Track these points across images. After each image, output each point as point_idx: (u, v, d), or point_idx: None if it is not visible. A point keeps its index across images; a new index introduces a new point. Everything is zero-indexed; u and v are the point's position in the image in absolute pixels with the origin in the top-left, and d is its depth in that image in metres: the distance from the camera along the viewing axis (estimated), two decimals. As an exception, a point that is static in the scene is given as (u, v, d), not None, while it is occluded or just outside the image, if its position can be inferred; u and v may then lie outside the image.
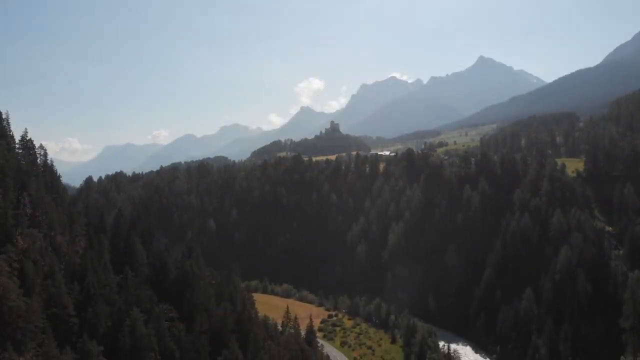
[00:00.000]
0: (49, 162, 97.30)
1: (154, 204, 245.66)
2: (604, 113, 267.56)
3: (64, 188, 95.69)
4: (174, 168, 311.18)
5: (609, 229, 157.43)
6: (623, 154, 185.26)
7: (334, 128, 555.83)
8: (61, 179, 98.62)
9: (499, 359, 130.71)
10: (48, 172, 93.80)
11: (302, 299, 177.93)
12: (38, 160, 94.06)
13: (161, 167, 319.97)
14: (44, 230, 74.66)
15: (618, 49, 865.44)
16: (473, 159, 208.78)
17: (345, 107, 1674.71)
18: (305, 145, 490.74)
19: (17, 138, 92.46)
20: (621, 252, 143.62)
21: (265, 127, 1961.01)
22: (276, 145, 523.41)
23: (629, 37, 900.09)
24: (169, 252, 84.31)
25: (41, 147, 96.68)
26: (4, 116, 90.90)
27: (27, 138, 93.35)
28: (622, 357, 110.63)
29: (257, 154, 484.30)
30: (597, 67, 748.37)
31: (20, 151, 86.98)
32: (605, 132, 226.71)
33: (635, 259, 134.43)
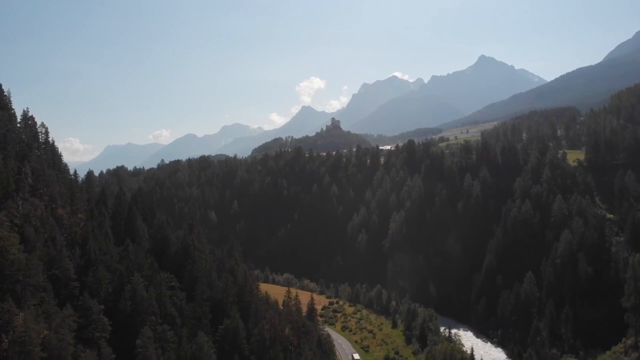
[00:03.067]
0: (50, 140, 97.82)
1: (155, 196, 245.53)
2: (605, 106, 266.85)
3: (66, 165, 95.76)
4: (176, 162, 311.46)
5: (610, 216, 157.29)
6: (624, 143, 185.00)
7: (335, 125, 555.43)
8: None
9: (500, 343, 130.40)
10: (49, 149, 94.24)
11: (303, 288, 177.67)
12: (40, 138, 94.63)
13: (162, 160, 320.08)
14: (45, 202, 74.95)
15: (619, 47, 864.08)
16: (474, 152, 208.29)
17: (346, 107, 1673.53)
18: (306, 142, 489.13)
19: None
20: (622, 238, 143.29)
21: (267, 127, 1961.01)
22: (277, 142, 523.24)
23: (630, 35, 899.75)
24: (170, 226, 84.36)
25: (42, 125, 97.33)
26: (5, 93, 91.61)
27: (29, 115, 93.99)
28: (623, 338, 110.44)
29: (258, 151, 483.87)
30: (598, 65, 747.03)
31: (21, 126, 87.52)
32: (606, 124, 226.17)
33: (636, 244, 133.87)
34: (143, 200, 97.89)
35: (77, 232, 73.48)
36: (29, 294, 49.90)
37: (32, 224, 63.01)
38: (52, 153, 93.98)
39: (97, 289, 60.65)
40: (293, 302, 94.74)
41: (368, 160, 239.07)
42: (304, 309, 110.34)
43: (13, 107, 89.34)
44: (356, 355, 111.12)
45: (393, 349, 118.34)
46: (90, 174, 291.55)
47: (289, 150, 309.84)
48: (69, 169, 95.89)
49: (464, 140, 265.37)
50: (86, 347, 50.07)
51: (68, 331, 49.07)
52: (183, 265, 77.70)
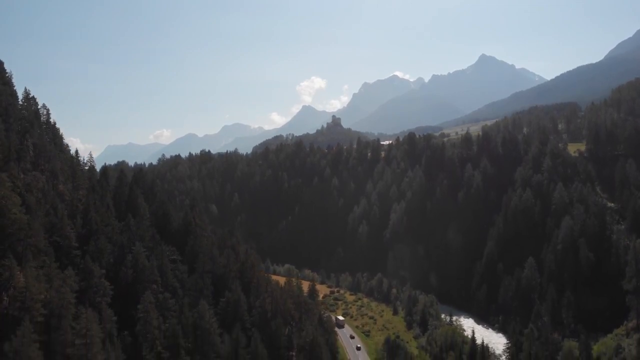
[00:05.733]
0: (52, 121, 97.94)
1: (155, 188, 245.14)
2: (606, 100, 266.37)
3: (67, 145, 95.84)
4: (176, 156, 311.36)
5: (611, 205, 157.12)
6: (625, 134, 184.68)
7: (335, 123, 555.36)
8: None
9: (501, 329, 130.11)
10: (51, 130, 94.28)
11: (304, 278, 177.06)
12: (42, 119, 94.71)
13: (163, 155, 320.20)
14: (47, 177, 74.92)
15: (620, 45, 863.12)
16: (475, 144, 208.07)
17: (346, 106, 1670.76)
18: (307, 140, 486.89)
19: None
20: (623, 226, 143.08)
21: (267, 127, 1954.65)
22: (278, 140, 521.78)
23: (630, 34, 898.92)
24: (171, 203, 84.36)
25: (44, 106, 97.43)
26: (7, 73, 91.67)
27: (30, 95, 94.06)
28: (625, 321, 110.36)
29: (258, 148, 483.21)
30: (599, 64, 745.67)
31: (23, 104, 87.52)
32: (607, 116, 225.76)
33: (638, 232, 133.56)
34: (144, 180, 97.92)
35: (79, 208, 73.47)
36: (30, 255, 49.89)
37: (34, 195, 63.02)
38: (53, 134, 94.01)
39: (99, 258, 60.61)
40: (295, 283, 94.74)
41: (369, 154, 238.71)
42: (305, 291, 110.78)
43: (15, 86, 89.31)
44: (340, 317, 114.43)
45: (394, 334, 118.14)
46: (91, 167, 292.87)
47: (290, 144, 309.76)
48: (69, 149, 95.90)
49: (465, 133, 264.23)
50: (87, 309, 49.95)
51: (69, 291, 49.04)
52: (184, 241, 77.72)
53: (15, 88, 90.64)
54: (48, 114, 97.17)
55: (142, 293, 58.10)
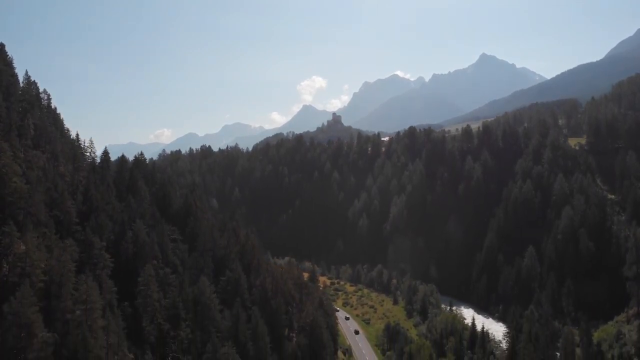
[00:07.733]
0: (53, 106, 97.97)
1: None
2: (606, 95, 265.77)
3: (68, 130, 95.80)
4: (177, 152, 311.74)
5: (611, 197, 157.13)
6: (625, 126, 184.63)
7: (336, 120, 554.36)
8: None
9: (501, 318, 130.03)
10: (52, 114, 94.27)
11: (304, 270, 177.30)
12: (42, 102, 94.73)
13: (163, 150, 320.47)
14: (47, 158, 74.94)
15: (620, 44, 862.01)
16: (475, 137, 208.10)
17: (347, 105, 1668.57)
18: (307, 137, 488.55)
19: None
20: (623, 217, 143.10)
21: (268, 126, 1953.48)
22: (278, 138, 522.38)
23: (631, 33, 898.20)
24: (172, 185, 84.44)
25: (45, 92, 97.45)
26: (8, 56, 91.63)
27: (32, 80, 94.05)
28: (625, 308, 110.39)
29: (259, 146, 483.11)
30: (599, 62, 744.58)
31: (24, 86, 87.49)
32: (608, 110, 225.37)
33: (638, 222, 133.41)
34: (145, 166, 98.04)
35: (80, 188, 73.50)
36: (31, 225, 49.90)
37: (35, 173, 63.05)
38: (54, 118, 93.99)
39: (99, 233, 60.62)
40: (295, 269, 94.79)
41: (369, 149, 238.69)
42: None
43: (16, 68, 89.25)
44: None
45: (394, 321, 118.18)
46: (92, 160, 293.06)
47: (290, 139, 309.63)
48: (70, 134, 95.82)
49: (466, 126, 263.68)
50: (88, 277, 49.93)
51: (69, 259, 49.03)
52: (185, 223, 77.80)
53: (16, 71, 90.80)
54: (49, 99, 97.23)
55: (142, 268, 58.09)
